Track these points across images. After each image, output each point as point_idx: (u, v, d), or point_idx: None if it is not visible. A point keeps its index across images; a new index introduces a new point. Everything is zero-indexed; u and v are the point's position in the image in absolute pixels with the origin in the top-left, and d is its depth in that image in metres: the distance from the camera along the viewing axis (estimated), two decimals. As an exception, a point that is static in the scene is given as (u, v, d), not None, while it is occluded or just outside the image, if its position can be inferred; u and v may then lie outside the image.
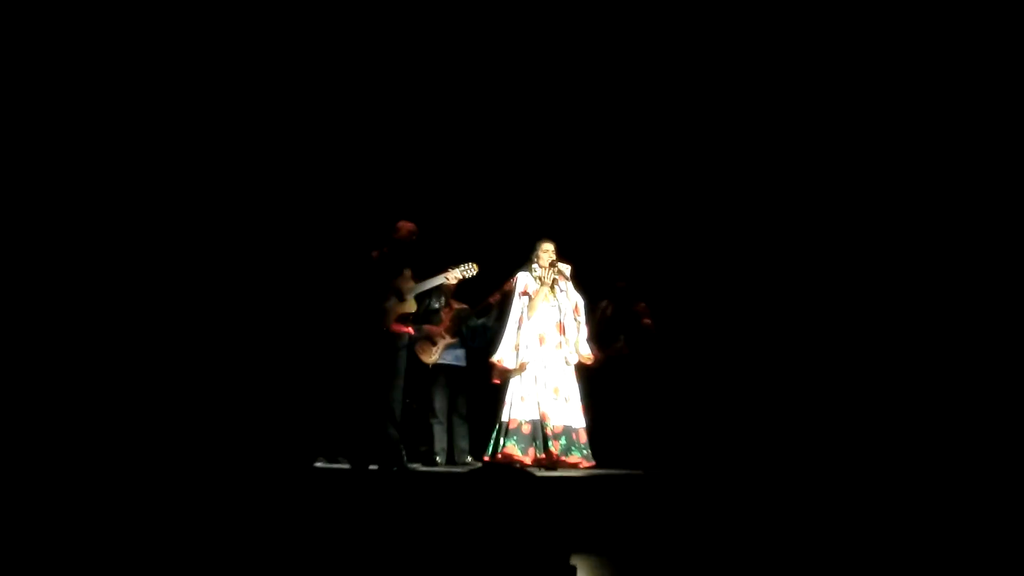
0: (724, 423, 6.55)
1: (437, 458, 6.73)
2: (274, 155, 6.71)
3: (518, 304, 6.22)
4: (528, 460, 5.87)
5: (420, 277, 6.14)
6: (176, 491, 4.46)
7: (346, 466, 5.87)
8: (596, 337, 6.70)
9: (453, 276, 6.11)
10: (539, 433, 5.97)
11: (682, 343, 6.97)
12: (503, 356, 6.16)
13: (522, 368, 6.10)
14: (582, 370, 6.27)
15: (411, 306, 5.96)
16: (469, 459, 6.73)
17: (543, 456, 5.91)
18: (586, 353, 6.22)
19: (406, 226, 6.15)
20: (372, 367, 5.95)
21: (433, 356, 6.92)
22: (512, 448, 5.93)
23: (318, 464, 6.20)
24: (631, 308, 7.05)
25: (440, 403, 6.85)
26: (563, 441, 5.98)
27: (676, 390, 6.83)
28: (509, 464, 5.70)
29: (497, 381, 6.22)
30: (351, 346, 6.02)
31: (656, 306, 7.03)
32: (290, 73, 6.66)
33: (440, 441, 6.79)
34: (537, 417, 5.98)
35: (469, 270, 6.16)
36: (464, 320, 6.83)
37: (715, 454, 6.34)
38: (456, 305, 6.90)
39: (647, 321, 6.96)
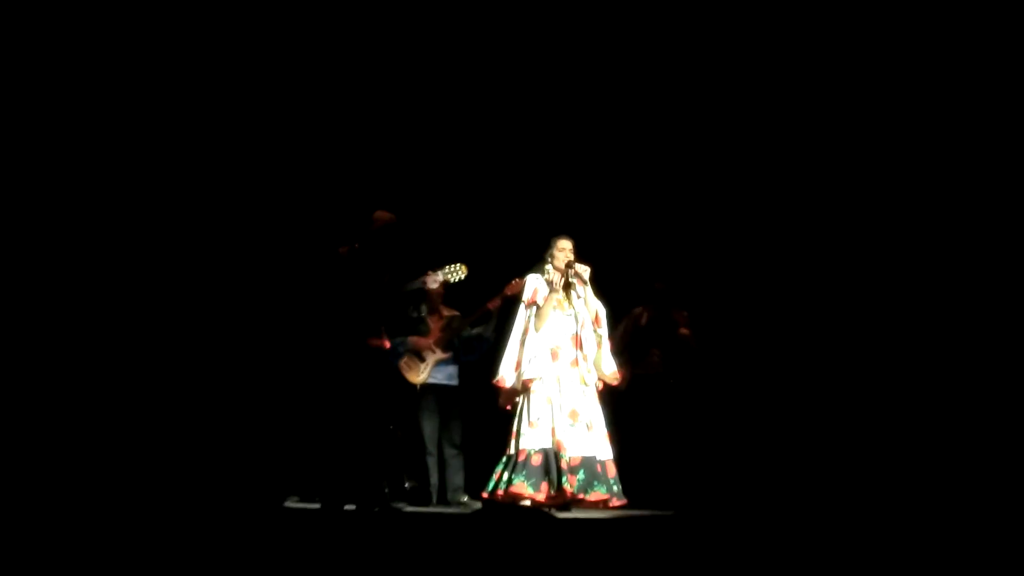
0: (773, 457, 6.40)
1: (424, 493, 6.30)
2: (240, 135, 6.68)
3: (524, 314, 5.85)
4: (541, 497, 5.52)
5: (401, 282, 5.72)
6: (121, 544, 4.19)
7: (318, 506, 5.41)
8: (625, 351, 6.52)
9: (434, 281, 5.69)
10: (552, 465, 5.57)
11: (728, 359, 6.81)
12: (504, 374, 5.78)
13: (527, 387, 5.68)
14: (608, 392, 5.94)
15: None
16: (465, 498, 6.32)
17: (556, 493, 5.51)
18: (610, 371, 5.86)
19: (383, 217, 5.71)
20: (346, 388, 5.56)
21: (421, 375, 6.51)
22: (520, 485, 5.50)
23: (289, 504, 5.85)
24: (669, 316, 6.75)
25: (430, 430, 6.48)
26: (581, 476, 5.59)
27: (719, 416, 6.67)
28: (515, 504, 5.43)
29: (507, 407, 5.88)
30: (319, 364, 5.63)
31: (699, 314, 6.78)
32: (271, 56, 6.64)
33: (431, 476, 6.46)
34: (550, 446, 5.58)
35: (456, 273, 5.75)
36: (457, 331, 6.42)
37: (763, 493, 6.16)
38: (447, 312, 6.54)
39: (685, 331, 6.65)
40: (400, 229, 5.69)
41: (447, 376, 6.46)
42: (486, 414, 6.04)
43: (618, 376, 5.77)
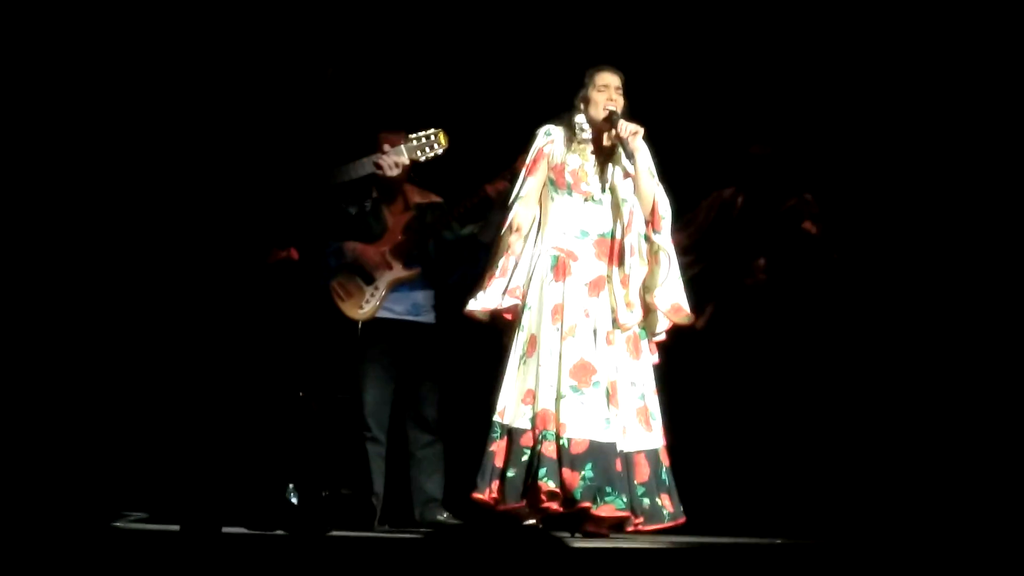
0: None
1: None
2: None
3: (518, 190, 4.99)
4: (515, 506, 4.77)
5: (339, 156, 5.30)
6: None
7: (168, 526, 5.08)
8: (704, 260, 5.86)
9: (393, 162, 4.99)
10: (533, 455, 4.70)
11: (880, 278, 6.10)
12: (489, 297, 4.87)
13: (507, 319, 4.89)
14: (672, 337, 5.12)
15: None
16: (444, 516, 5.41)
17: (549, 498, 4.64)
18: (670, 303, 4.89)
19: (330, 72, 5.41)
20: (222, 331, 5.04)
21: (366, 306, 5.39)
22: (494, 486, 4.81)
23: (124, 523, 5.21)
24: (779, 200, 5.92)
25: (375, 398, 5.42)
26: (589, 472, 4.72)
27: (865, 374, 5.91)
28: (511, 519, 4.73)
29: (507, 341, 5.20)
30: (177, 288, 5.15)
31: (829, 199, 6.02)
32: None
33: (378, 475, 5.39)
34: (528, 426, 4.75)
35: (429, 146, 5.07)
36: (432, 230, 5.47)
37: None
38: (417, 199, 5.58)
39: (810, 226, 5.83)
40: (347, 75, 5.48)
41: (411, 308, 5.55)
42: (483, 370, 5.29)
43: (687, 311, 5.01)
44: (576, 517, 4.93)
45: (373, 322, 5.56)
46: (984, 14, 6.19)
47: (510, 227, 5.10)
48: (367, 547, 4.57)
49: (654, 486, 4.94)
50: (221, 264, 5.12)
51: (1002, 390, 6.00)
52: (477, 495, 4.93)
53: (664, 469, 4.96)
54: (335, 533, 5.15)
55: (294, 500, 5.09)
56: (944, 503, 5.77)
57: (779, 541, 5.09)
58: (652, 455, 4.95)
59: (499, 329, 5.22)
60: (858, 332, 6.32)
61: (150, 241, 5.50)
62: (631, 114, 5.16)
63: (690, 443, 5.76)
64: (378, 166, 5.12)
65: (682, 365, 5.89)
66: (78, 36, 6.05)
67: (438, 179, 5.85)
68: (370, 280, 5.51)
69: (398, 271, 5.53)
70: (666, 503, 4.92)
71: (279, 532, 4.92)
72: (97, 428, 5.79)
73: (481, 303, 5.01)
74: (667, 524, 4.95)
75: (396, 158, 5.12)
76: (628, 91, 5.22)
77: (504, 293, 4.96)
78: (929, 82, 6.35)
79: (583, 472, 4.84)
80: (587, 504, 4.81)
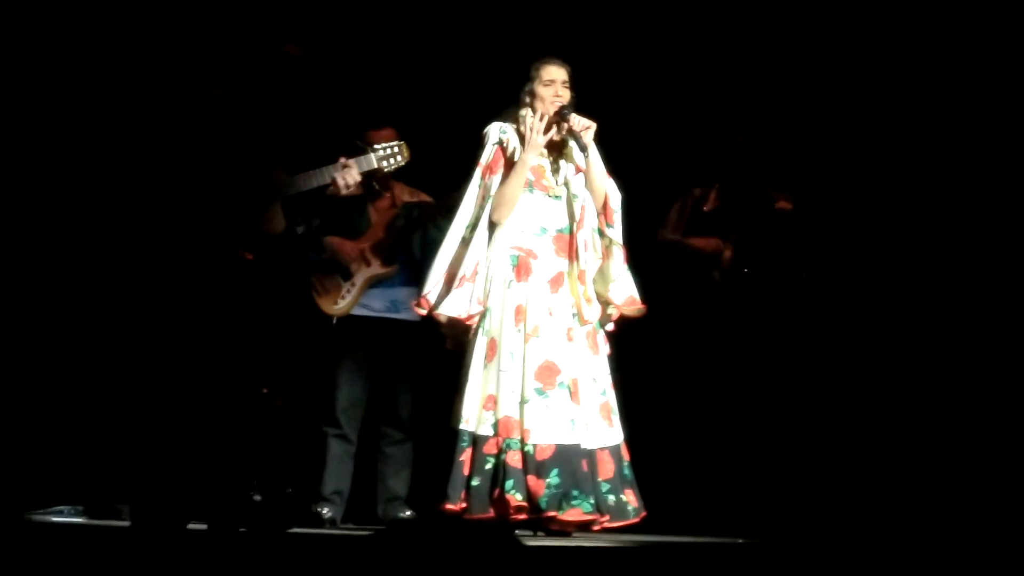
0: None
1: (324, 510, 5.21)
2: None
3: (476, 189, 4.83)
4: (484, 515, 4.76)
5: (304, 160, 4.82)
6: None
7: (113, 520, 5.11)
8: (679, 255, 5.94)
9: (345, 176, 4.58)
10: (500, 463, 4.62)
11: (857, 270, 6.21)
12: (428, 292, 4.80)
13: (467, 324, 4.77)
14: (626, 329, 5.08)
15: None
16: (408, 513, 5.38)
17: (516, 505, 4.59)
18: (624, 296, 4.87)
19: (292, 51, 4.80)
20: (183, 322, 4.55)
21: (341, 301, 5.32)
22: (459, 496, 4.74)
23: (47, 516, 5.26)
24: (756, 188, 5.91)
25: (349, 396, 5.30)
26: (555, 479, 4.63)
27: (839, 366, 5.98)
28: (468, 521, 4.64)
29: (451, 345, 5.12)
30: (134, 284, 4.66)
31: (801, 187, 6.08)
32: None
33: (337, 473, 5.26)
34: (492, 432, 4.65)
35: (392, 158, 4.77)
36: (419, 225, 5.39)
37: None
38: (404, 196, 5.51)
39: (784, 205, 5.83)
40: (312, 73, 4.95)
41: (390, 305, 5.45)
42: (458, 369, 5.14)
43: (640, 304, 4.97)
44: (539, 521, 4.88)
45: (351, 319, 5.51)
46: (957, 12, 6.11)
47: (475, 227, 4.91)
48: (328, 544, 4.48)
49: (619, 482, 4.89)
50: (184, 258, 4.82)
51: (956, 383, 5.97)
52: (448, 505, 4.85)
53: (626, 464, 4.91)
54: (296, 530, 5.06)
55: (257, 497, 5.00)
56: (908, 501, 5.73)
57: (741, 540, 5.05)
58: (615, 451, 4.91)
59: (447, 333, 5.14)
60: (819, 328, 6.26)
61: (105, 234, 5.26)
62: (579, 108, 5.02)
63: (657, 439, 5.70)
64: (336, 178, 4.67)
65: (646, 359, 5.91)
66: (33, 38, 5.90)
67: (428, 177, 5.77)
68: (348, 276, 5.46)
69: (376, 268, 5.46)
70: (631, 499, 4.86)
71: (241, 529, 4.77)
72: (58, 424, 5.69)
73: (451, 309, 4.88)
74: (632, 520, 4.88)
75: (350, 171, 4.70)
76: (597, 85, 5.18)
77: (472, 299, 4.84)
78: (906, 78, 6.28)
79: (548, 479, 4.79)
80: (552, 513, 4.75)
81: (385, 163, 4.92)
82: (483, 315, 4.90)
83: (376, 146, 4.94)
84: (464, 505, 4.83)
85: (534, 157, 4.92)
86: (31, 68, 6.01)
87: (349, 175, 4.79)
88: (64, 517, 5.35)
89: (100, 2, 6.10)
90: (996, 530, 5.28)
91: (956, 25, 6.24)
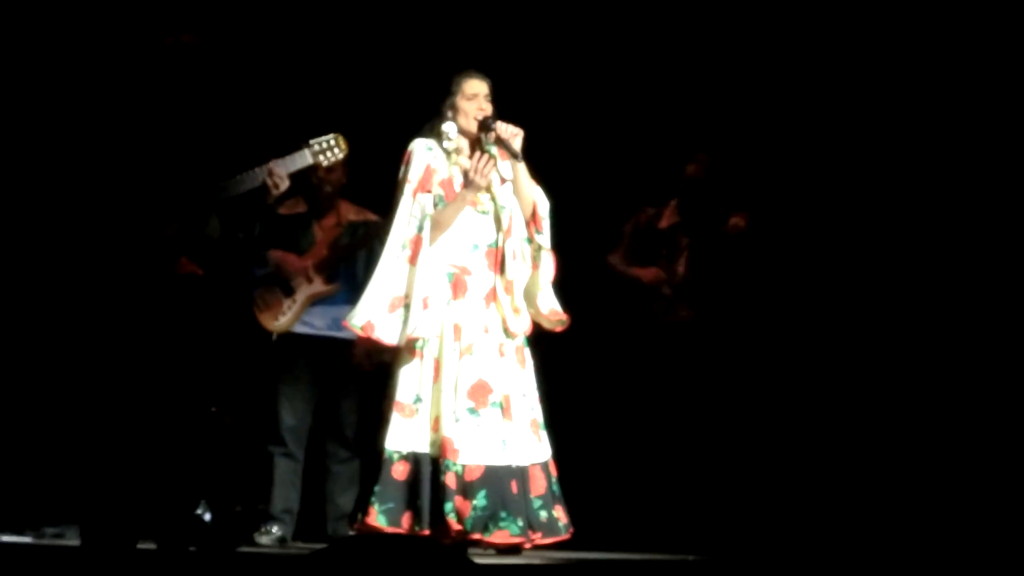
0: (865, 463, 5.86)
1: (274, 528, 5.20)
2: None
3: (408, 209, 4.74)
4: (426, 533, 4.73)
5: (241, 162, 4.70)
6: None
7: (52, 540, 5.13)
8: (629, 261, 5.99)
9: (281, 171, 4.48)
10: (425, 483, 4.58)
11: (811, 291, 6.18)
12: (372, 317, 4.67)
13: (410, 348, 4.69)
14: (558, 344, 5.04)
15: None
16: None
17: (433, 529, 4.61)
18: (549, 308, 4.82)
19: (184, 39, 4.68)
20: (127, 341, 4.53)
21: (283, 317, 5.32)
22: (372, 513, 4.63)
23: (32, 538, 5.11)
24: (713, 207, 5.93)
25: (294, 415, 5.30)
26: (482, 500, 4.57)
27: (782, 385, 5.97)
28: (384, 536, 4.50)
29: (366, 366, 5.27)
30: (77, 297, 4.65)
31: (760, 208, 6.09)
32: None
33: (285, 492, 5.23)
34: (426, 450, 4.63)
35: (330, 151, 4.65)
36: (365, 242, 5.31)
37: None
38: (349, 214, 5.48)
39: (737, 222, 5.85)
40: (219, 64, 4.87)
41: (332, 323, 5.42)
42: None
43: (562, 315, 4.92)
44: (465, 544, 4.81)
45: (293, 337, 5.48)
46: (912, 21, 6.13)
47: (422, 248, 4.81)
48: (277, 563, 4.48)
49: (549, 498, 4.82)
50: (126, 272, 4.74)
51: (913, 401, 5.98)
52: (372, 523, 4.72)
53: (554, 480, 4.86)
54: (245, 549, 5.04)
55: (206, 516, 5.01)
56: (860, 510, 5.73)
57: (691, 558, 5.05)
58: (545, 467, 4.84)
59: (359, 352, 5.20)
60: (766, 341, 6.22)
61: (51, 250, 5.16)
62: (505, 113, 4.94)
63: (608, 454, 5.83)
64: (270, 175, 4.53)
65: (591, 372, 5.99)
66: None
67: (374, 196, 5.66)
68: (290, 292, 5.43)
69: (318, 285, 5.45)
70: (560, 515, 4.81)
71: (191, 548, 4.72)
72: (3, 441, 5.71)
73: (392, 333, 4.69)
74: (564, 536, 4.82)
75: (284, 167, 4.60)
76: (499, 90, 5.01)
77: (412, 322, 4.70)
78: (867, 95, 6.27)
79: (474, 501, 4.71)
80: (477, 536, 4.70)
81: (322, 157, 4.76)
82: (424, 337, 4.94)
83: (311, 141, 4.81)
84: (408, 526, 4.77)
85: (474, 194, 4.84)
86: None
87: (276, 175, 4.61)
88: (12, 537, 5.26)
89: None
90: (966, 542, 5.20)
91: (915, 45, 6.16)
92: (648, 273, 6.02)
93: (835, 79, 6.46)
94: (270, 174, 4.64)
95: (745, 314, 6.15)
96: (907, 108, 6.29)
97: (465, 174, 4.79)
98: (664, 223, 6.04)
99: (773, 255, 6.32)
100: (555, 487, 4.82)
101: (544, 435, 4.85)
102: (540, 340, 5.11)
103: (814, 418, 6.21)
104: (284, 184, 4.73)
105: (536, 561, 4.77)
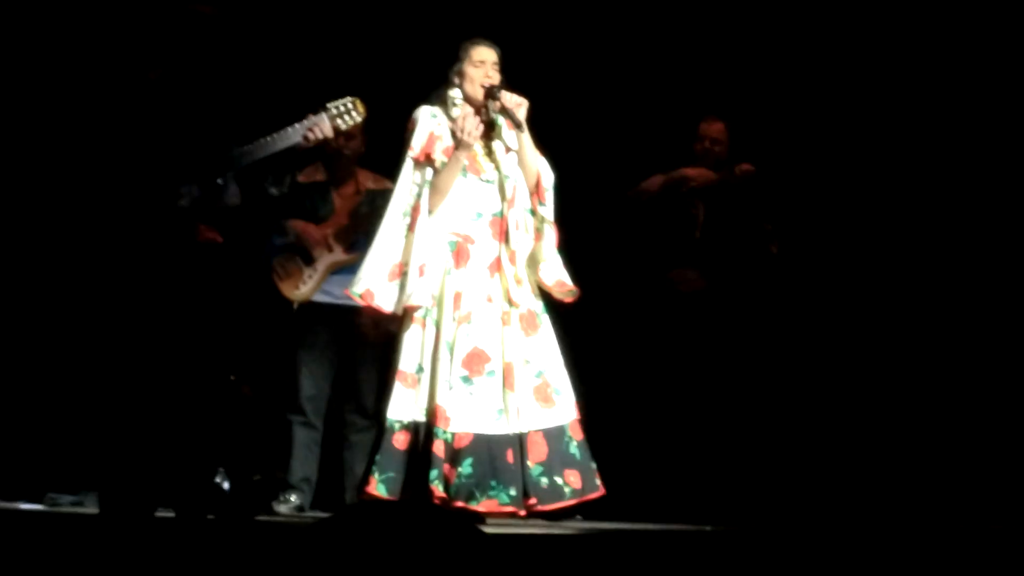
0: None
1: (292, 497, 5.20)
2: None
3: (410, 178, 4.68)
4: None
5: (251, 131, 4.68)
6: None
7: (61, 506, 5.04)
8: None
9: (319, 130, 4.48)
10: (420, 450, 4.56)
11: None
12: (372, 286, 4.65)
13: (408, 315, 4.67)
14: (572, 314, 4.93)
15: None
16: None
17: (441, 495, 4.51)
18: (554, 279, 4.75)
19: (204, 9, 4.67)
20: (145, 310, 4.49)
21: (303, 287, 5.28)
22: (372, 482, 4.59)
23: (48, 506, 5.10)
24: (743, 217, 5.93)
25: (314, 384, 5.29)
26: (467, 468, 4.54)
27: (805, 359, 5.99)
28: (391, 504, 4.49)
29: (372, 335, 5.21)
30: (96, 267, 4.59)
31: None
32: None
33: (303, 461, 5.23)
34: (422, 418, 4.60)
35: (347, 115, 4.60)
36: (378, 210, 5.00)
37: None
38: (368, 182, 5.39)
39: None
40: (236, 32, 4.86)
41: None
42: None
43: (570, 286, 4.86)
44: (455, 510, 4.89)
45: (313, 306, 5.46)
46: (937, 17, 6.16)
47: (420, 215, 4.76)
48: (295, 531, 4.26)
49: (556, 463, 4.74)
50: (144, 240, 4.70)
51: (934, 369, 5.99)
52: (371, 491, 4.66)
53: (574, 444, 4.76)
54: (263, 517, 5.02)
55: (224, 484, 5.05)
56: (878, 490, 5.73)
57: (709, 528, 5.04)
58: (555, 432, 4.75)
59: (366, 323, 5.15)
60: (792, 309, 6.18)
61: (68, 220, 5.07)
62: (512, 83, 4.91)
63: (626, 424, 5.76)
64: (304, 134, 4.56)
65: (613, 341, 5.96)
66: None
67: (392, 165, 5.46)
68: (310, 261, 5.41)
69: (338, 255, 5.41)
70: (571, 479, 4.71)
71: (209, 517, 4.70)
72: (21, 410, 5.67)
73: (394, 301, 4.69)
74: (570, 501, 4.75)
75: (318, 124, 4.62)
76: (507, 59, 4.96)
77: (413, 291, 4.67)
78: (879, 62, 6.23)
79: (460, 468, 4.68)
80: (460, 503, 4.67)
81: (340, 121, 4.72)
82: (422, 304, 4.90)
83: (328, 104, 4.75)
84: (395, 495, 4.69)
85: (467, 152, 4.81)
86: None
87: (319, 130, 4.56)
88: (31, 505, 5.31)
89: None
90: (973, 524, 5.23)
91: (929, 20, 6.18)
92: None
93: (844, 42, 6.37)
94: (311, 128, 4.57)
95: (760, 283, 6.08)
96: (935, 78, 6.20)
97: (452, 134, 4.73)
98: (688, 186, 6.02)
99: (790, 221, 6.23)
100: (573, 450, 4.74)
101: (562, 398, 4.76)
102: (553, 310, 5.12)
103: (831, 388, 6.14)
104: (319, 137, 4.61)
105: (539, 531, 4.73)
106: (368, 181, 5.55)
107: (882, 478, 5.94)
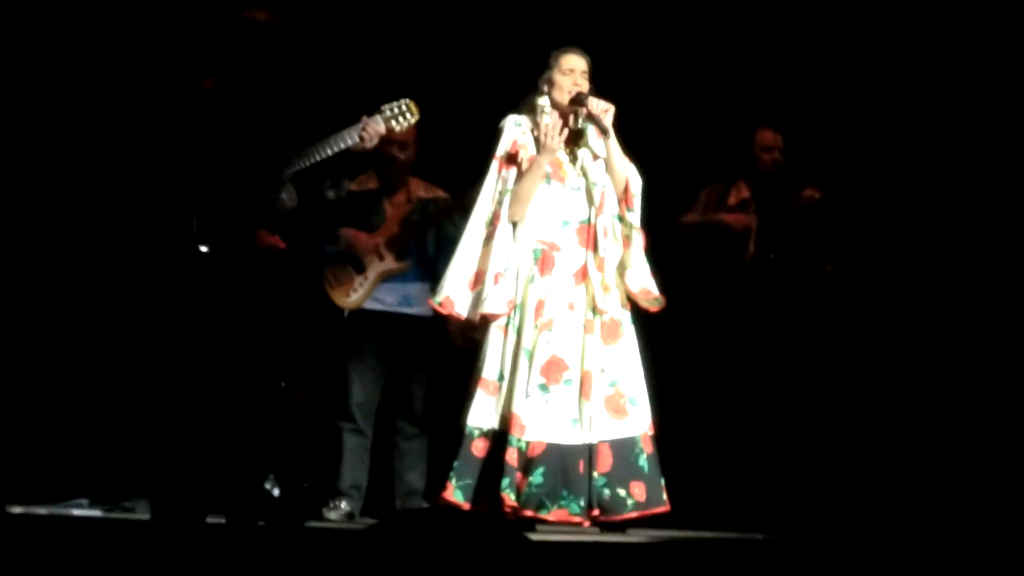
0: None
1: (343, 504, 5.19)
2: None
3: (494, 184, 4.72)
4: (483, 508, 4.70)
5: (305, 136, 4.69)
6: None
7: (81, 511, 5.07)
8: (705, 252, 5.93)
9: (373, 130, 4.56)
10: (498, 458, 4.53)
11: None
12: (452, 293, 4.71)
13: (490, 320, 4.66)
14: (652, 323, 4.89)
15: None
16: (425, 506, 5.52)
17: (512, 504, 4.49)
18: (640, 286, 4.73)
19: (259, 17, 4.65)
20: (207, 318, 4.56)
21: (354, 294, 5.27)
22: (449, 489, 4.58)
23: (102, 512, 5.09)
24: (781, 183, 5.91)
25: (364, 390, 5.28)
26: (539, 478, 4.54)
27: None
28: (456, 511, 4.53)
29: (459, 343, 5.09)
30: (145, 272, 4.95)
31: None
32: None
33: (353, 467, 5.24)
34: (495, 426, 4.61)
35: (402, 116, 4.63)
36: (431, 222, 5.33)
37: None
38: (420, 191, 5.42)
39: (812, 193, 5.80)
40: (291, 40, 4.82)
41: (402, 300, 5.41)
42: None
43: (655, 295, 4.82)
44: (523, 522, 4.74)
45: (364, 314, 5.45)
46: (974, 17, 6.12)
47: (493, 222, 4.79)
48: (345, 538, 4.35)
49: (622, 474, 4.73)
50: (202, 245, 4.75)
51: (985, 386, 5.95)
52: (448, 497, 4.70)
53: (643, 456, 4.76)
54: (313, 524, 5.03)
55: (275, 491, 5.07)
56: (930, 501, 5.69)
57: (760, 536, 5.03)
58: (624, 443, 4.74)
59: (454, 330, 5.06)
60: (851, 330, 6.13)
61: (123, 224, 5.27)
62: (601, 91, 4.91)
63: (678, 432, 5.69)
64: (360, 135, 4.61)
65: (669, 351, 5.77)
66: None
67: (444, 173, 5.69)
68: (361, 269, 5.41)
69: (389, 263, 5.42)
70: (635, 492, 4.70)
71: (259, 523, 4.74)
72: (76, 417, 5.67)
73: (475, 309, 4.75)
74: (632, 514, 4.72)
75: (370, 129, 4.64)
76: (597, 69, 4.98)
77: (496, 299, 4.69)
78: (930, 73, 6.21)
79: (531, 478, 4.68)
80: (530, 513, 4.66)
81: (394, 123, 4.75)
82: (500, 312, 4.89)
83: (383, 106, 4.77)
84: (469, 502, 4.71)
85: (549, 158, 4.81)
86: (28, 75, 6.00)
87: (373, 130, 4.60)
88: (83, 511, 5.27)
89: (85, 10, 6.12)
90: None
91: (958, 38, 6.11)
92: (736, 219, 5.94)
93: (904, 55, 6.35)
94: (364, 128, 4.61)
95: (815, 298, 6.05)
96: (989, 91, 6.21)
97: (536, 140, 4.74)
98: (732, 200, 5.96)
99: (847, 241, 6.20)
100: (642, 463, 4.72)
101: (635, 409, 4.73)
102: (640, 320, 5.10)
103: (881, 403, 6.10)
104: (375, 140, 4.66)
105: (587, 539, 4.62)
106: (420, 189, 5.57)
107: (935, 491, 5.83)
